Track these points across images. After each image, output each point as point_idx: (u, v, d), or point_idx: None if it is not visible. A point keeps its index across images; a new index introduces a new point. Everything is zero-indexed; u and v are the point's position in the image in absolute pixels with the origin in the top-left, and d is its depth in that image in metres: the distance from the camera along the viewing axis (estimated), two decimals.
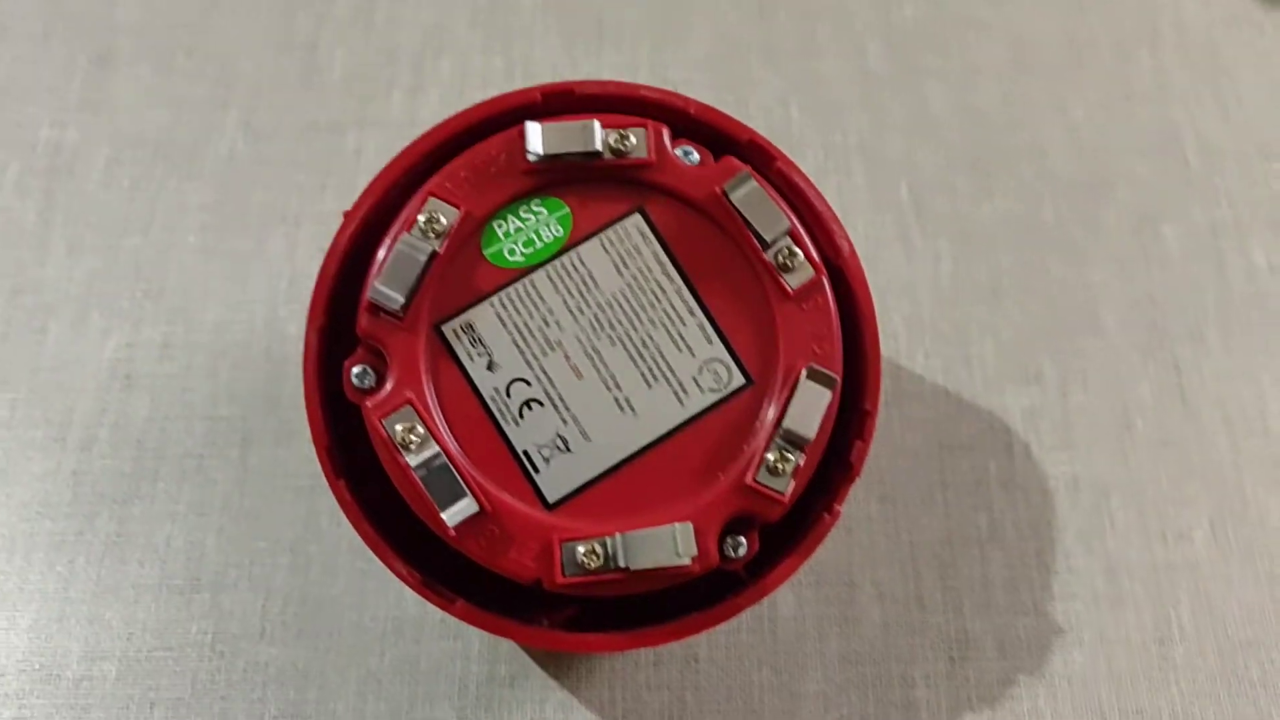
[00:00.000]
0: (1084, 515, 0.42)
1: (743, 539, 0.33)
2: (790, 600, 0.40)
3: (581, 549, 0.31)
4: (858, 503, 0.42)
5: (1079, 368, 0.44)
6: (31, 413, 0.44)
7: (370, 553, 0.41)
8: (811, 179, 0.47)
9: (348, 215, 0.34)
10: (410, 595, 0.40)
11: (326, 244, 0.46)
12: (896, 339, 0.45)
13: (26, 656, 0.40)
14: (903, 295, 0.46)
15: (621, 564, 0.31)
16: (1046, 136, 0.49)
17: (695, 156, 0.35)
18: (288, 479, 0.43)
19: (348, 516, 0.33)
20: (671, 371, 0.33)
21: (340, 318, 0.34)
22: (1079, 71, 0.51)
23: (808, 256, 0.33)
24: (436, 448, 0.31)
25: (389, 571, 0.40)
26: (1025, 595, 0.41)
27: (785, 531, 0.34)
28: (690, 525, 0.31)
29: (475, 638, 0.40)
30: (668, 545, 0.31)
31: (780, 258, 0.33)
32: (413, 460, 0.31)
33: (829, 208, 0.35)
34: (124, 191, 0.48)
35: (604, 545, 0.31)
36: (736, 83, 0.50)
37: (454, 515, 0.31)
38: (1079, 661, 0.40)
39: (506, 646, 0.40)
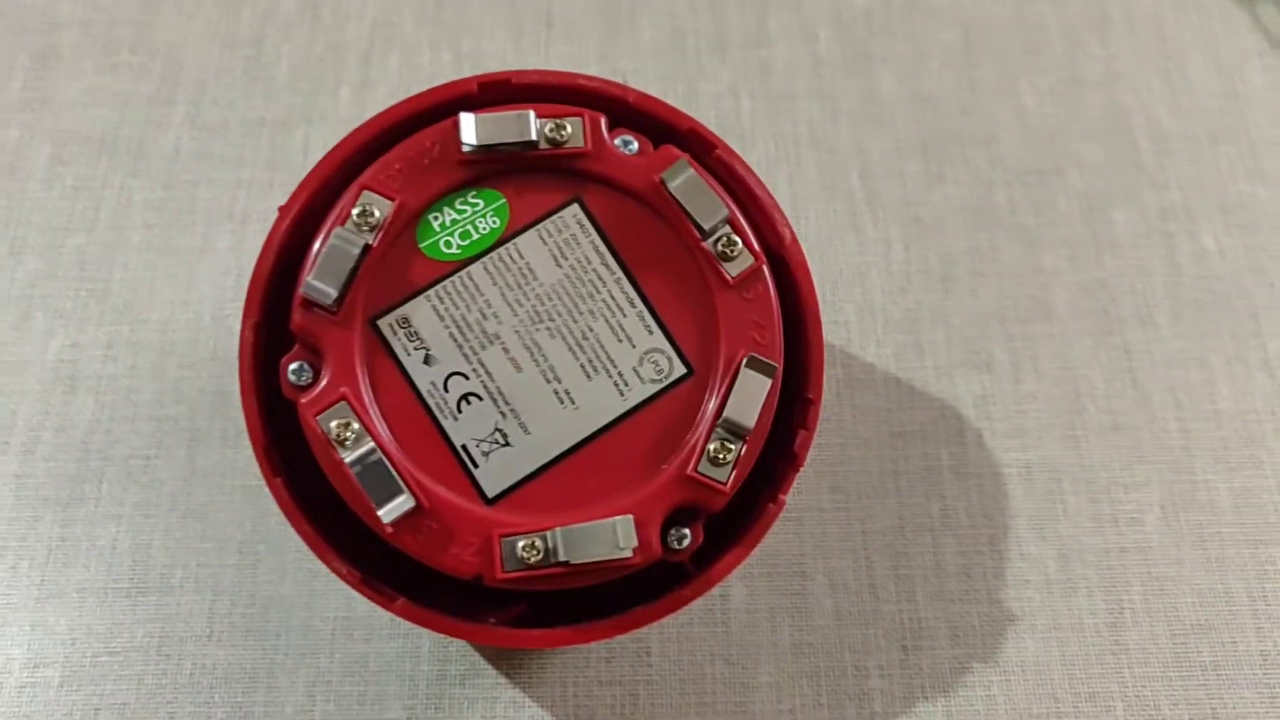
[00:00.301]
0: (1036, 501, 0.42)
1: (687, 530, 0.33)
2: (742, 592, 0.40)
3: (521, 544, 0.31)
4: (809, 493, 0.42)
5: (1030, 353, 0.44)
6: None
7: None
8: (761, 168, 0.47)
9: (282, 210, 0.34)
10: (359, 595, 0.40)
11: None
12: (848, 328, 0.45)
13: None
14: (854, 283, 0.45)
15: (562, 558, 0.31)
16: (997, 122, 0.49)
17: (635, 146, 0.34)
18: (236, 478, 0.42)
19: (285, 515, 0.32)
20: (612, 363, 0.33)
21: (279, 314, 0.34)
22: (1028, 57, 0.51)
23: (747, 244, 0.33)
24: (372, 444, 0.31)
25: None
26: (978, 582, 0.41)
27: (732, 522, 0.34)
28: (631, 518, 0.31)
29: (425, 637, 0.40)
30: (608, 538, 0.31)
31: (720, 246, 0.33)
32: (347, 457, 0.31)
33: (770, 195, 0.35)
34: (67, 190, 0.47)
35: (544, 539, 0.31)
36: (687, 72, 0.50)
37: (390, 512, 0.31)
38: (1032, 648, 0.40)
39: (457, 645, 0.40)
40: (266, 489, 0.41)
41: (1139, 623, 0.40)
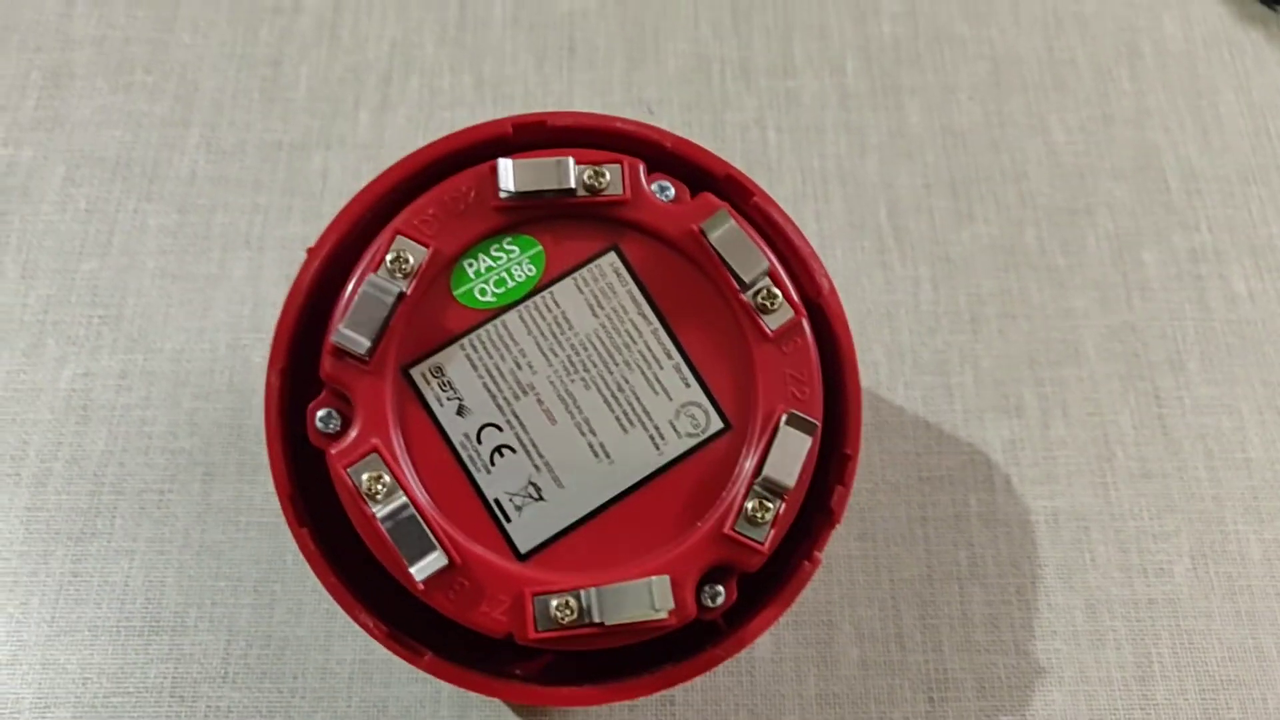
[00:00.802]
0: (1064, 550, 0.41)
1: (721, 588, 0.32)
2: (768, 641, 0.40)
3: (555, 602, 0.30)
4: (837, 540, 0.41)
5: (1060, 398, 0.44)
6: None
7: None
8: (789, 203, 0.47)
9: (311, 252, 0.33)
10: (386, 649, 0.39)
11: (292, 269, 0.45)
12: (876, 369, 0.44)
13: None
14: (883, 323, 0.45)
15: (596, 618, 0.30)
16: (1027, 158, 0.49)
17: (671, 192, 0.34)
18: (252, 515, 0.41)
19: (312, 567, 0.32)
20: (648, 415, 0.32)
21: (305, 355, 0.33)
22: (1058, 92, 0.50)
23: (787, 297, 0.33)
24: (404, 498, 0.30)
25: None
26: (1006, 633, 0.40)
27: (765, 578, 0.34)
28: (667, 578, 0.30)
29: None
30: (644, 599, 0.30)
31: (759, 298, 0.32)
32: (379, 511, 0.30)
33: (808, 244, 0.34)
34: (80, 213, 0.46)
35: (578, 599, 0.30)
36: (712, 102, 0.49)
37: (423, 569, 0.30)
38: (1059, 702, 0.39)
39: None
40: (282, 527, 0.41)
41: (1168, 677, 0.39)
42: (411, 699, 0.39)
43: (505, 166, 0.32)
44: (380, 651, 0.39)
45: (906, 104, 0.50)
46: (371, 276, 0.31)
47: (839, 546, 0.41)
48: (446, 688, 0.39)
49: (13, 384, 0.43)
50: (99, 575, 0.40)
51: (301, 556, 0.40)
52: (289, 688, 0.39)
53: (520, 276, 0.32)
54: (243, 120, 0.48)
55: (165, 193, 0.47)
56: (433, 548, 0.30)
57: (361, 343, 0.31)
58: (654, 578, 0.30)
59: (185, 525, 0.41)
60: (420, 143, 0.44)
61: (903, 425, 0.43)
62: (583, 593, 0.30)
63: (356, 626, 0.39)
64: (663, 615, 0.30)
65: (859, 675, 0.39)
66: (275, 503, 0.41)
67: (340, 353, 0.31)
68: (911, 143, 0.49)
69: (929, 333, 0.45)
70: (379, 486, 0.30)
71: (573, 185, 0.32)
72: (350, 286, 0.31)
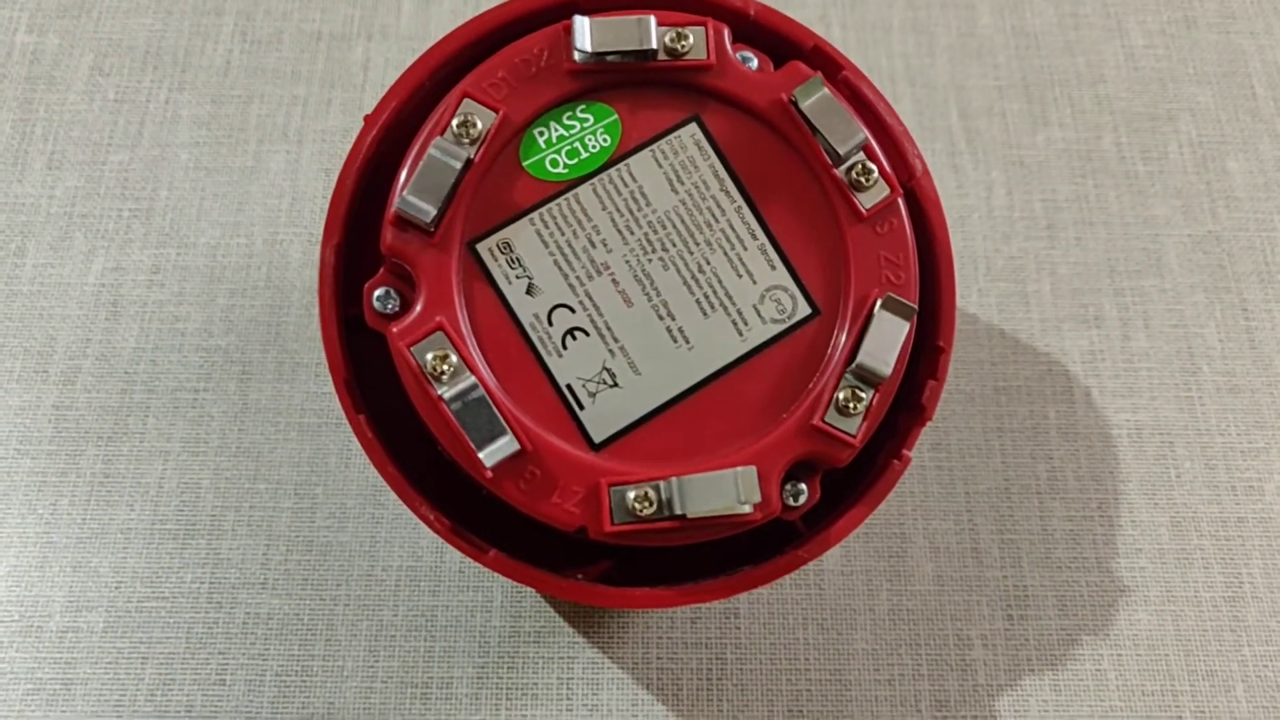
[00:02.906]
0: (1148, 465, 0.39)
1: (803, 485, 0.30)
2: (838, 553, 0.38)
3: (632, 494, 0.28)
4: None
5: (1141, 308, 0.42)
6: (8, 341, 0.40)
7: (383, 497, 0.38)
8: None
9: (369, 119, 0.30)
10: (427, 544, 0.37)
11: (331, 163, 0.43)
12: None
13: (5, 606, 0.36)
14: (955, 228, 0.42)
15: (678, 510, 0.28)
16: (1104, 61, 0.46)
17: (755, 63, 0.31)
18: (291, 415, 0.39)
19: (370, 457, 0.29)
20: (730, 299, 0.30)
21: (355, 236, 0.31)
22: None
23: (883, 173, 0.30)
24: (472, 379, 0.28)
25: (404, 518, 0.37)
26: (1087, 550, 0.38)
27: (844, 479, 0.31)
28: (754, 469, 0.28)
29: (497, 590, 0.37)
30: (729, 491, 0.28)
31: (853, 174, 0.30)
32: (445, 392, 0.28)
33: (900, 122, 0.32)
34: (109, 103, 0.44)
35: (657, 490, 0.28)
36: None
37: (492, 454, 0.28)
38: (1145, 621, 0.37)
39: (531, 600, 0.37)
40: (324, 428, 0.39)
41: (1259, 598, 0.37)
42: (461, 608, 0.37)
43: (581, 24, 0.29)
44: (428, 558, 0.37)
45: (977, 3, 0.47)
46: (438, 139, 0.29)
47: (912, 456, 0.39)
48: (498, 596, 0.37)
49: (39, 278, 0.41)
50: (131, 476, 0.38)
51: (344, 459, 0.38)
52: (332, 595, 0.37)
53: (594, 147, 0.30)
54: (279, 9, 0.46)
55: (198, 83, 0.44)
56: (503, 431, 0.28)
57: (427, 210, 0.28)
58: (740, 469, 0.28)
59: (221, 426, 0.39)
60: None
61: (976, 334, 0.41)
62: (663, 484, 0.28)
63: (403, 533, 0.37)
64: (748, 509, 0.28)
65: (934, 590, 0.37)
66: (316, 403, 0.39)
67: (403, 223, 0.29)
68: (983, 43, 0.46)
69: (1003, 239, 0.42)
70: (445, 366, 0.28)
71: (654, 46, 0.29)
72: (415, 150, 0.29)
